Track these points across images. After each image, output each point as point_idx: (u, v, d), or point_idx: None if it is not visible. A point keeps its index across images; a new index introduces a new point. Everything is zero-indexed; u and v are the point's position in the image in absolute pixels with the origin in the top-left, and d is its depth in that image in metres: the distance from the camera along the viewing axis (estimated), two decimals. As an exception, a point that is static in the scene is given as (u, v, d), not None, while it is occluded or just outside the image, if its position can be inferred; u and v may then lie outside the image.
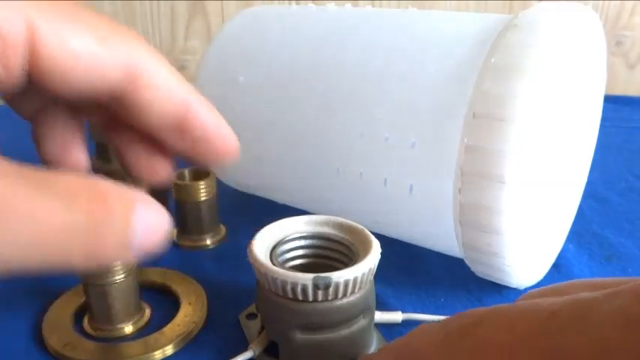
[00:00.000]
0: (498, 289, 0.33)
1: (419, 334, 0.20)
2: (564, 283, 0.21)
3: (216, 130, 0.21)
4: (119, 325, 0.30)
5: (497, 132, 0.27)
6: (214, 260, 0.38)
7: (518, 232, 0.29)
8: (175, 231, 0.40)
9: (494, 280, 0.33)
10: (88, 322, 0.31)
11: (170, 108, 0.19)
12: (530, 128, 0.27)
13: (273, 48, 0.39)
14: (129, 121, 0.19)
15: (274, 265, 0.26)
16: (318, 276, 0.25)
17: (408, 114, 0.31)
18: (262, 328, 0.29)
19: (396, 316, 0.30)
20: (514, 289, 0.33)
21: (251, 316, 0.31)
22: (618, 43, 0.81)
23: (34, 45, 0.16)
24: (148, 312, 0.32)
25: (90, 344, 0.29)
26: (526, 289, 0.34)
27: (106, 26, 0.17)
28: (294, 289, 0.25)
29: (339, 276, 0.25)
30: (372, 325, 0.28)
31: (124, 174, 0.39)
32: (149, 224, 0.16)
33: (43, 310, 0.32)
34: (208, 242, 0.39)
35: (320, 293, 0.25)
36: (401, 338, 0.21)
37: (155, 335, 0.29)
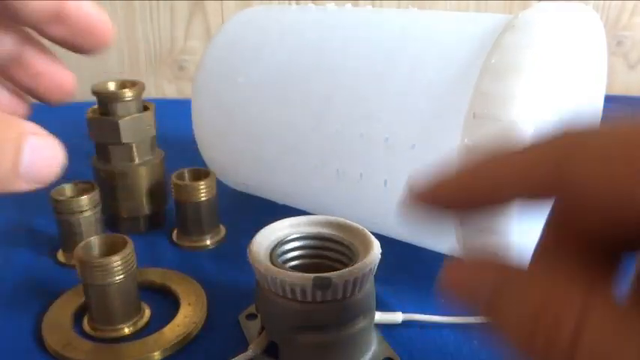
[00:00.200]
0: (499, 290, 0.33)
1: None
2: None
3: (92, 15, 0.22)
4: (119, 326, 0.30)
5: (497, 132, 0.27)
6: (214, 261, 0.37)
7: (519, 232, 0.29)
8: (175, 231, 0.40)
9: (494, 281, 0.33)
10: (88, 322, 0.31)
11: None
12: (530, 128, 0.27)
13: (273, 48, 0.39)
14: (8, 16, 0.20)
15: (274, 265, 0.26)
16: (318, 276, 0.24)
17: (408, 114, 0.31)
18: (262, 328, 0.29)
19: (396, 317, 0.30)
20: (514, 289, 0.33)
21: (251, 316, 0.31)
22: (619, 44, 0.80)
23: None
24: (147, 312, 0.31)
25: (89, 344, 0.29)
26: (526, 290, 0.33)
27: None
28: (293, 290, 0.25)
29: (339, 276, 0.25)
30: (372, 326, 0.28)
31: (124, 174, 0.39)
32: (41, 154, 0.17)
33: (43, 310, 0.31)
34: (208, 242, 0.39)
35: (320, 294, 0.25)
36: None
37: (155, 336, 0.29)
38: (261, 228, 0.29)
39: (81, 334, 0.30)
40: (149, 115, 0.39)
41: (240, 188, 0.44)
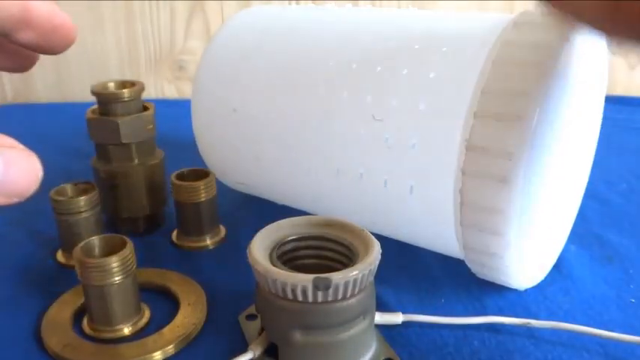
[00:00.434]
0: (499, 290, 0.33)
1: None
2: None
3: (56, 16, 0.23)
4: (118, 326, 0.30)
5: (498, 132, 0.27)
6: (214, 261, 0.37)
7: (519, 232, 0.29)
8: (175, 232, 0.40)
9: (494, 281, 0.33)
10: (88, 323, 0.30)
11: (9, 3, 0.21)
12: (531, 128, 0.26)
13: (273, 48, 0.39)
14: None
15: (274, 266, 0.26)
16: (318, 277, 0.24)
17: (408, 114, 0.31)
18: (262, 329, 0.28)
19: (397, 317, 0.30)
20: (515, 289, 0.33)
21: (251, 317, 0.31)
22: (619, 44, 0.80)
23: None
24: (147, 313, 0.31)
25: (89, 345, 0.29)
26: (527, 291, 0.33)
27: None
28: (293, 290, 0.25)
29: (339, 277, 0.25)
30: (373, 326, 0.28)
31: (124, 174, 0.39)
32: (16, 167, 0.17)
33: (43, 310, 0.31)
34: (208, 243, 0.39)
35: (320, 294, 0.25)
36: None
37: (154, 336, 0.29)
38: (261, 228, 0.29)
39: (80, 334, 0.30)
40: (149, 116, 0.39)
41: (239, 188, 0.44)
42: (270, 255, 0.27)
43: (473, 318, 0.30)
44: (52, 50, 0.24)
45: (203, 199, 0.38)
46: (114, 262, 0.28)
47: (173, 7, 0.76)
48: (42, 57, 0.27)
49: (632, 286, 0.34)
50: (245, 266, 0.27)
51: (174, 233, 0.40)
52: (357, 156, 0.33)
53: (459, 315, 0.31)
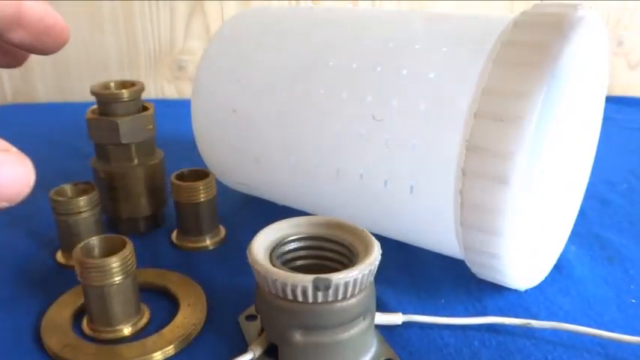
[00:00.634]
0: (499, 291, 0.33)
1: None
2: None
3: (49, 16, 0.23)
4: (118, 327, 0.30)
5: (498, 132, 0.27)
6: (214, 261, 0.37)
7: (519, 233, 0.29)
8: (175, 232, 0.40)
9: (495, 282, 0.33)
10: (87, 323, 0.30)
11: (2, 3, 0.20)
12: (531, 128, 0.26)
13: (272, 48, 0.39)
14: None
15: (274, 266, 0.26)
16: (318, 277, 0.24)
17: (408, 114, 0.31)
18: (262, 329, 0.28)
19: (397, 318, 0.30)
20: (515, 290, 0.33)
21: (251, 317, 0.31)
22: (619, 44, 0.80)
23: None
24: (147, 313, 0.31)
25: (89, 346, 0.29)
26: (527, 291, 0.33)
27: None
28: (294, 291, 0.25)
29: (339, 277, 0.25)
30: (373, 327, 0.28)
31: (123, 175, 0.39)
32: (8, 171, 0.16)
33: (42, 311, 0.31)
34: (208, 243, 0.39)
35: (320, 295, 0.25)
36: None
37: (154, 337, 0.29)
38: (261, 229, 0.29)
39: (80, 335, 0.30)
40: (148, 116, 0.39)
41: (239, 189, 0.44)
42: (270, 255, 0.27)
43: (473, 318, 0.30)
44: (45, 51, 0.24)
45: (203, 200, 0.38)
46: (114, 263, 0.28)
47: (173, 7, 0.76)
48: (42, 57, 0.26)
49: (632, 287, 0.34)
50: (245, 266, 0.27)
51: (174, 233, 0.40)
52: (357, 156, 0.33)
53: (459, 315, 0.31)
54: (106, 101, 0.38)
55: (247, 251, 0.27)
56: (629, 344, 0.29)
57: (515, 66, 0.27)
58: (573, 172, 0.36)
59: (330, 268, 0.28)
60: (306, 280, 0.24)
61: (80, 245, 0.29)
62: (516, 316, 0.31)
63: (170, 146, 0.45)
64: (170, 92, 0.80)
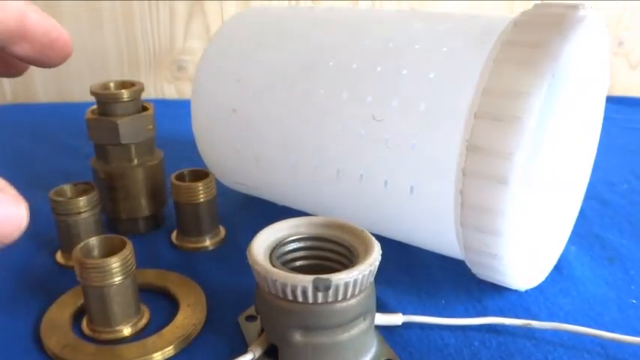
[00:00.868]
0: (499, 291, 0.33)
1: None
2: None
3: (53, 30, 0.23)
4: (118, 327, 0.30)
5: (499, 132, 0.27)
6: (214, 262, 0.37)
7: (520, 233, 0.29)
8: (175, 232, 0.40)
9: (495, 282, 0.33)
10: (87, 324, 0.30)
11: (6, 16, 0.20)
12: (531, 128, 0.26)
13: (272, 48, 0.38)
14: None
15: (274, 266, 0.26)
16: (318, 278, 0.24)
17: (408, 114, 0.31)
18: (262, 330, 0.28)
19: (397, 319, 0.30)
20: (515, 290, 0.33)
21: (250, 318, 0.31)
22: (620, 44, 0.80)
23: None
24: (146, 314, 0.31)
25: (88, 346, 0.29)
26: (528, 292, 0.33)
27: None
28: (293, 291, 0.25)
29: (339, 278, 0.24)
30: (373, 327, 0.28)
31: (123, 175, 0.39)
32: (3, 213, 0.16)
33: (42, 311, 0.31)
34: (208, 244, 0.39)
35: (320, 295, 0.25)
36: None
37: (154, 337, 0.29)
38: (261, 229, 0.29)
39: (80, 335, 0.30)
40: (148, 116, 0.39)
41: (239, 189, 0.44)
42: (270, 256, 0.27)
43: (473, 319, 0.30)
44: (48, 64, 0.24)
45: (202, 200, 0.38)
46: (113, 263, 0.28)
47: (173, 7, 0.76)
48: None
49: (632, 287, 0.34)
50: (245, 267, 0.27)
51: (174, 234, 0.40)
52: (357, 156, 0.33)
53: (459, 316, 0.31)
54: (105, 101, 0.38)
55: (247, 252, 0.27)
56: (629, 345, 0.29)
57: (515, 66, 0.27)
58: (574, 173, 0.36)
59: (330, 269, 0.27)
60: (306, 280, 0.24)
61: (80, 245, 0.29)
62: (517, 317, 0.31)
63: (170, 146, 0.45)
64: (170, 92, 0.80)
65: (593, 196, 0.44)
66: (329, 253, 0.29)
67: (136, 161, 0.39)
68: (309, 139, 0.35)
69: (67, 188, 0.36)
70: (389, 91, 0.32)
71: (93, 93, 0.38)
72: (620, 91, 0.79)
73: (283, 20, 0.41)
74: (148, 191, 0.40)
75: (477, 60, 0.29)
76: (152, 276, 0.34)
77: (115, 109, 0.38)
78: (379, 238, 0.28)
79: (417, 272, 0.36)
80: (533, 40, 0.27)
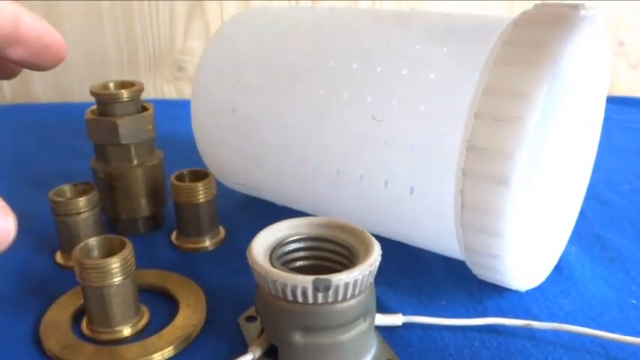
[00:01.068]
0: (500, 292, 0.33)
1: None
2: None
3: (47, 34, 0.23)
4: (117, 328, 0.30)
5: (499, 132, 0.27)
6: (213, 262, 0.37)
7: (520, 234, 0.28)
8: (174, 233, 0.40)
9: (495, 283, 0.33)
10: (87, 324, 0.30)
11: (0, 21, 0.21)
12: (532, 128, 0.26)
13: (272, 48, 0.38)
14: None
15: (274, 267, 0.26)
16: (318, 278, 0.24)
17: (408, 115, 0.31)
18: (262, 330, 0.28)
19: (397, 319, 0.30)
20: (516, 291, 0.33)
21: (250, 318, 0.31)
22: (621, 44, 0.80)
23: None
24: (146, 314, 0.31)
25: (88, 347, 0.29)
26: (528, 292, 0.33)
27: None
28: (293, 292, 0.25)
29: (339, 278, 0.24)
30: (373, 328, 0.28)
31: (123, 175, 0.39)
32: None
33: (41, 312, 0.31)
34: (207, 244, 0.39)
35: (320, 295, 0.25)
36: None
37: (154, 338, 0.29)
38: (261, 229, 0.29)
39: (79, 336, 0.30)
40: (148, 116, 0.39)
41: (239, 189, 0.44)
42: (270, 256, 0.27)
43: (473, 319, 0.30)
44: (42, 67, 0.24)
45: (202, 200, 0.38)
46: (113, 264, 0.28)
47: (172, 7, 0.76)
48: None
49: (633, 288, 0.34)
50: (245, 267, 0.27)
51: (174, 234, 0.40)
52: (357, 157, 0.33)
53: (459, 316, 0.31)
54: (105, 101, 0.38)
55: (247, 252, 0.27)
56: (629, 345, 0.29)
57: (515, 66, 0.27)
58: (574, 173, 0.36)
59: (331, 269, 0.27)
60: (306, 280, 0.24)
61: (79, 246, 0.29)
62: (517, 317, 0.31)
63: (170, 146, 0.45)
64: (170, 93, 0.80)
65: (594, 196, 0.44)
66: (329, 253, 0.29)
67: (135, 161, 0.39)
68: (309, 139, 0.35)
69: (67, 188, 0.36)
70: (389, 91, 0.32)
71: (93, 93, 0.38)
72: (620, 92, 0.79)
73: (283, 20, 0.41)
74: (148, 191, 0.40)
75: (477, 60, 0.29)
76: (152, 276, 0.34)
77: (115, 110, 0.38)
78: (379, 238, 0.28)
79: (418, 273, 0.36)
80: (534, 40, 0.27)
